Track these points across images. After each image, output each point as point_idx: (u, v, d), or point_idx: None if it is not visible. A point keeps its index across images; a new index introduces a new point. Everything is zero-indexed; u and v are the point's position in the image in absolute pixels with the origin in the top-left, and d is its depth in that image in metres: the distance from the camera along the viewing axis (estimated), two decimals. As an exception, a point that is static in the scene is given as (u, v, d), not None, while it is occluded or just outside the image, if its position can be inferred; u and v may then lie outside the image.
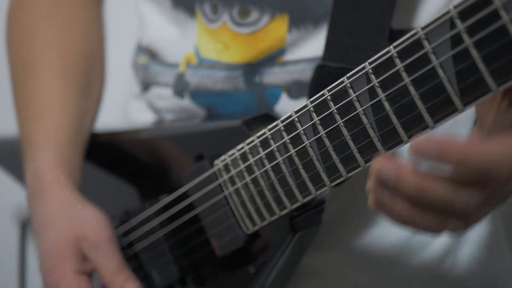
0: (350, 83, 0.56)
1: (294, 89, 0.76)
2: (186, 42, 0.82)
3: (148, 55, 0.88)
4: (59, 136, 0.79)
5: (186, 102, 0.82)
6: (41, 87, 0.82)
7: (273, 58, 0.76)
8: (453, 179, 0.50)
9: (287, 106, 0.76)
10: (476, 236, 0.83)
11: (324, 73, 0.70)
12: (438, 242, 0.81)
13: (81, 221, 0.75)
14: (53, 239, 0.75)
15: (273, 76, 0.76)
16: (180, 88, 0.82)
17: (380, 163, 0.51)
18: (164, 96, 0.85)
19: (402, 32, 0.71)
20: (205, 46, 0.80)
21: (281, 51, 0.76)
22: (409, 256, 0.81)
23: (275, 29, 0.75)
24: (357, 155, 0.57)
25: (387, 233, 0.80)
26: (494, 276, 0.86)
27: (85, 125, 0.83)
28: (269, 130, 0.64)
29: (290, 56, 0.76)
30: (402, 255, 0.81)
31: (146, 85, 0.88)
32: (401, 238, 0.81)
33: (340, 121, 0.58)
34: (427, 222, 0.52)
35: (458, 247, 0.82)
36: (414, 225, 0.54)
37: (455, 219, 0.52)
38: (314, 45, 0.74)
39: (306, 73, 0.75)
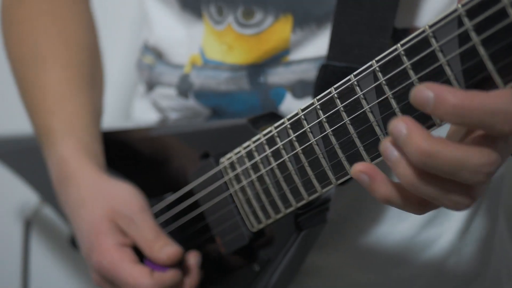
0: (357, 81, 0.56)
1: (298, 89, 0.76)
2: (192, 43, 0.82)
3: (154, 55, 0.88)
4: (79, 124, 0.80)
5: (191, 103, 0.82)
6: (53, 78, 0.82)
7: (277, 58, 0.76)
8: (463, 145, 0.48)
9: (291, 106, 0.77)
10: (479, 234, 0.83)
11: (329, 72, 0.70)
12: (442, 241, 0.81)
13: (112, 198, 0.74)
14: (88, 219, 0.74)
15: (277, 76, 0.77)
16: (184, 88, 0.82)
17: (397, 121, 0.49)
18: (168, 96, 0.85)
19: (405, 31, 0.71)
20: (210, 47, 0.80)
21: (285, 52, 0.76)
22: (413, 255, 0.81)
23: (279, 30, 0.75)
24: (363, 153, 0.57)
25: (391, 232, 0.81)
26: (498, 275, 0.86)
27: (98, 115, 0.84)
28: (275, 128, 0.64)
29: (294, 56, 0.76)
30: (406, 254, 0.81)
31: (150, 85, 0.89)
32: (405, 237, 0.81)
33: (346, 119, 0.58)
34: (429, 192, 0.50)
35: (461, 246, 0.82)
36: (413, 197, 0.52)
37: (459, 193, 0.50)
38: (318, 45, 0.75)
39: (310, 73, 0.75)
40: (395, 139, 0.50)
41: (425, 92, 0.48)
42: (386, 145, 0.51)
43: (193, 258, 0.73)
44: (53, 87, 0.82)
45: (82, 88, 0.83)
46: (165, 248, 0.70)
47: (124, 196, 0.74)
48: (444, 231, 0.81)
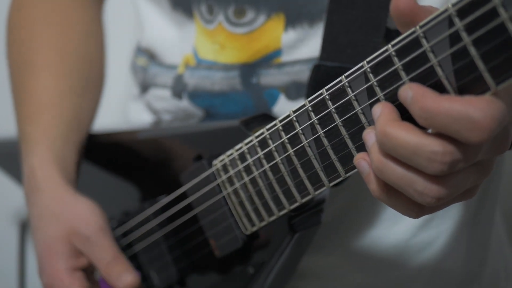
0: (349, 82, 0.56)
1: (292, 90, 0.76)
2: (185, 43, 0.82)
3: (147, 56, 0.87)
4: (54, 133, 0.79)
5: (184, 104, 0.82)
6: (39, 86, 0.82)
7: (269, 59, 0.76)
8: (422, 132, 0.49)
9: (285, 107, 0.76)
10: (475, 236, 0.83)
11: (322, 72, 0.70)
12: (438, 243, 0.81)
13: (71, 216, 0.74)
14: (45, 237, 0.74)
15: (270, 77, 0.76)
16: (179, 89, 0.82)
17: (377, 104, 0.52)
18: (162, 98, 0.85)
19: (399, 32, 0.70)
20: (202, 47, 0.80)
21: (277, 52, 0.75)
22: (409, 257, 0.81)
23: (271, 29, 0.75)
24: (355, 154, 0.57)
25: (386, 234, 0.80)
26: (495, 276, 0.86)
27: (82, 124, 0.83)
28: (268, 130, 0.64)
29: (286, 57, 0.75)
30: (402, 256, 0.81)
31: (145, 87, 0.88)
32: (401, 240, 0.80)
33: (338, 121, 0.57)
34: (394, 178, 0.51)
35: (457, 248, 0.82)
36: (384, 185, 0.53)
37: (423, 183, 0.50)
38: (310, 46, 0.74)
39: (303, 74, 0.74)
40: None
41: (406, 91, 0.50)
42: (367, 131, 0.54)
43: None
44: (36, 94, 0.81)
45: (66, 96, 0.82)
46: (123, 275, 0.70)
47: (83, 215, 0.74)
48: (440, 233, 0.81)
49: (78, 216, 0.74)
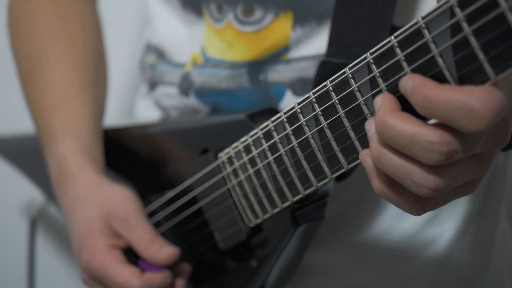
0: (352, 73, 0.56)
1: (298, 86, 0.76)
2: (194, 42, 0.83)
3: (156, 54, 0.88)
4: (80, 123, 0.81)
5: (192, 101, 0.83)
6: (58, 77, 0.83)
7: (277, 56, 0.77)
8: (419, 122, 0.50)
9: (291, 103, 0.76)
10: (480, 234, 0.83)
11: (328, 69, 0.70)
12: (442, 240, 0.81)
13: (108, 199, 0.75)
14: (83, 218, 0.75)
15: (277, 73, 0.77)
16: (186, 87, 0.83)
17: (378, 95, 0.53)
18: (170, 95, 0.86)
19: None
20: (211, 45, 0.80)
21: (285, 49, 0.76)
22: (413, 254, 0.81)
23: (279, 27, 0.76)
24: (358, 146, 0.57)
25: (391, 231, 0.80)
26: (500, 274, 0.86)
27: (99, 115, 0.84)
28: (272, 122, 0.64)
29: (294, 53, 0.76)
30: (406, 253, 0.81)
31: (153, 84, 0.89)
32: (405, 237, 0.80)
33: (341, 112, 0.58)
34: (392, 168, 0.51)
35: (462, 245, 0.82)
36: (386, 181, 0.53)
37: (420, 174, 0.50)
38: (318, 42, 0.75)
39: (310, 70, 0.75)
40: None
41: (407, 81, 0.50)
42: (368, 121, 0.54)
43: (184, 267, 0.75)
44: (56, 86, 0.83)
45: (85, 87, 0.83)
46: (163, 249, 0.72)
47: (120, 199, 0.75)
48: (444, 230, 0.81)
49: (115, 199, 0.75)
